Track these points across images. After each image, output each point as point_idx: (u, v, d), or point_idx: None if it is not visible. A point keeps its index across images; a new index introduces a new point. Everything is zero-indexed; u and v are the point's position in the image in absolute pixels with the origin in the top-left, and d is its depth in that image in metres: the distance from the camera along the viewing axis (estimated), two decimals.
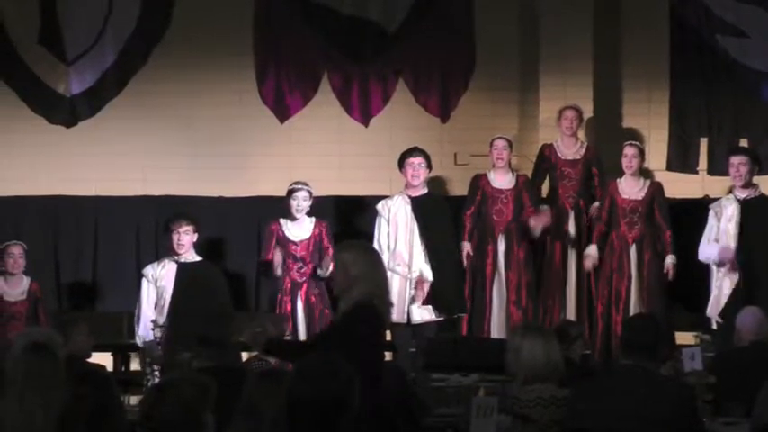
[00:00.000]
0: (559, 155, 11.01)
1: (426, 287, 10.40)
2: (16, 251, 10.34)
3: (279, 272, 10.45)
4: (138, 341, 9.99)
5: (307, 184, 10.51)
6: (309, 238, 10.47)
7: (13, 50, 11.75)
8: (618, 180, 10.73)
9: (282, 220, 10.51)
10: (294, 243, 10.45)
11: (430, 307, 10.44)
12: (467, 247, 10.67)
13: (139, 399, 7.78)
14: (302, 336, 10.22)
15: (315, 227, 10.51)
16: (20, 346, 5.64)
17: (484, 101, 11.79)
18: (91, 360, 8.08)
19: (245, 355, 8.74)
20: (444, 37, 11.73)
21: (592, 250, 10.61)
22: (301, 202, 10.44)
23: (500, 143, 10.87)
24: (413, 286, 10.39)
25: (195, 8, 11.73)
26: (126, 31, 11.79)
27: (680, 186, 11.23)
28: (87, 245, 11.52)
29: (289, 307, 10.34)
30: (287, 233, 10.48)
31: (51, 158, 11.73)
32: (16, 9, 11.77)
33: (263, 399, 4.75)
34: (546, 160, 11.05)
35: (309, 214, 10.54)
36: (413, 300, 10.37)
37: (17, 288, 10.33)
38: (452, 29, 11.74)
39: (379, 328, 6.02)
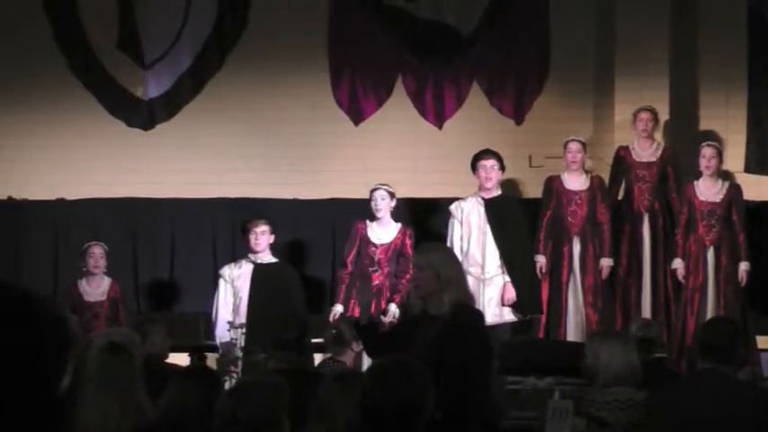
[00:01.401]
0: (635, 157, 10.94)
1: (509, 288, 10.37)
2: (97, 251, 10.42)
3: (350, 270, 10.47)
4: (215, 342, 10.05)
5: (387, 185, 10.52)
6: (390, 243, 10.46)
7: (92, 55, 11.89)
8: (695, 182, 10.65)
9: (368, 221, 10.53)
10: (374, 245, 10.45)
11: (507, 308, 10.41)
12: (541, 260, 10.61)
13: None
14: None
15: (399, 233, 10.49)
16: (98, 346, 5.67)
17: (558, 103, 11.75)
18: (168, 361, 8.15)
19: (318, 357, 8.78)
20: (519, 39, 11.71)
21: (678, 264, 10.52)
22: (379, 202, 10.44)
23: (574, 145, 10.83)
24: (485, 287, 10.37)
25: (271, 12, 11.80)
26: (202, 36, 11.89)
27: (759, 189, 11.12)
28: (165, 246, 11.62)
29: (357, 310, 10.34)
30: (369, 234, 10.49)
31: (129, 161, 11.84)
32: (95, 14, 11.90)
33: (337, 401, 4.77)
34: (621, 162, 10.99)
35: (397, 220, 10.55)
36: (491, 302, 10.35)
37: (98, 288, 10.42)
38: (527, 31, 11.71)
39: (485, 330, 6.07)
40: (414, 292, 6.03)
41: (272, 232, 10.25)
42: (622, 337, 6.28)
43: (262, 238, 10.16)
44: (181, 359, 9.46)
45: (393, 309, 10.18)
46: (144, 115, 11.91)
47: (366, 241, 10.46)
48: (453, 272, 5.93)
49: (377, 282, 10.42)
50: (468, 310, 5.92)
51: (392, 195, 10.50)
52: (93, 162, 11.85)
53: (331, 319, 10.01)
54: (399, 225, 10.53)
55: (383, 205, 10.45)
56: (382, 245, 10.45)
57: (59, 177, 11.76)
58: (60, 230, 11.58)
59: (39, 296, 1.41)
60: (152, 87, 11.91)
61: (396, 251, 10.46)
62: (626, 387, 6.03)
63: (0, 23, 11.83)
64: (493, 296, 10.37)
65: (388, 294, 10.37)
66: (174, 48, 11.86)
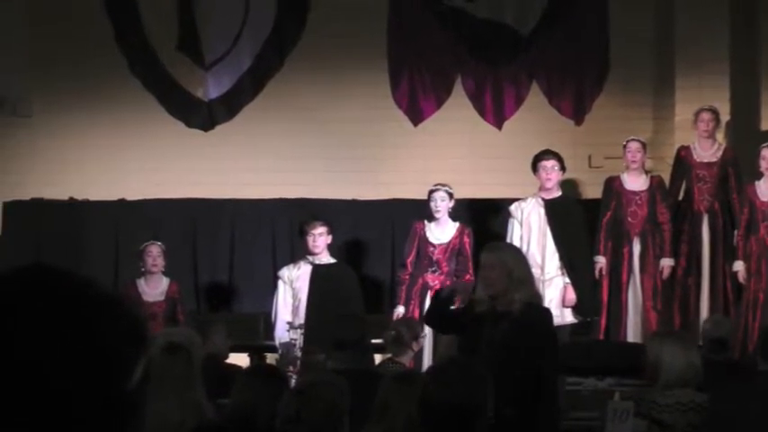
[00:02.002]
0: (695, 157, 10.86)
1: (570, 290, 10.33)
2: (154, 250, 10.46)
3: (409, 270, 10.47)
4: (275, 342, 10.08)
5: (445, 185, 10.51)
6: (449, 243, 10.45)
7: (152, 56, 11.97)
8: (756, 183, 10.55)
9: (427, 222, 10.53)
10: (432, 245, 10.44)
11: (567, 310, 10.37)
12: (601, 261, 10.56)
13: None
14: (428, 341, 10.22)
15: (457, 232, 10.48)
16: (157, 346, 5.68)
17: (618, 103, 11.69)
18: (228, 361, 8.18)
19: (377, 358, 8.79)
20: (579, 39, 11.66)
21: (739, 266, 10.43)
22: (439, 203, 10.43)
23: (634, 145, 10.76)
24: (545, 288, 10.33)
25: (330, 13, 11.83)
26: (262, 36, 11.94)
27: None
28: (224, 247, 11.67)
29: (417, 312, 10.33)
30: (428, 234, 10.48)
31: (189, 162, 11.91)
32: (156, 16, 11.98)
33: (397, 401, 4.77)
34: (682, 162, 10.91)
35: (455, 219, 10.54)
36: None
37: (156, 288, 10.46)
38: (587, 31, 11.67)
39: (555, 330, 6.09)
40: (484, 291, 6.02)
41: (330, 233, 10.26)
42: (684, 338, 6.22)
43: (319, 239, 10.17)
44: (240, 359, 9.51)
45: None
46: (204, 116, 11.98)
47: (425, 241, 10.45)
48: (524, 271, 5.95)
49: (437, 282, 10.41)
50: (538, 309, 5.93)
51: (451, 196, 10.49)
52: (153, 163, 11.92)
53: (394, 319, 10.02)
54: (458, 224, 10.51)
55: (443, 206, 10.44)
56: (441, 245, 10.44)
57: (120, 178, 11.85)
58: (121, 231, 11.67)
59: (114, 293, 1.44)
60: (212, 88, 11.98)
61: (454, 251, 10.44)
62: (687, 389, 5.98)
63: (62, 25, 11.94)
64: (553, 297, 10.33)
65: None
66: (234, 48, 11.92)
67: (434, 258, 10.42)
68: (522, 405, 5.60)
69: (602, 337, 10.49)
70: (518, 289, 5.87)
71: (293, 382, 8.50)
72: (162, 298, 10.39)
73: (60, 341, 1.35)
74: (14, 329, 1.35)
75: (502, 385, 5.59)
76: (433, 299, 6.89)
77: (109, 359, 1.36)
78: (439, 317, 6.57)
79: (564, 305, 10.32)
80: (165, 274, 10.51)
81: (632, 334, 10.48)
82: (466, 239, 10.43)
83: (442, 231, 10.47)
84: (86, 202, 11.79)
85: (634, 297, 10.57)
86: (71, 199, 11.80)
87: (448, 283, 10.35)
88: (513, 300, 5.87)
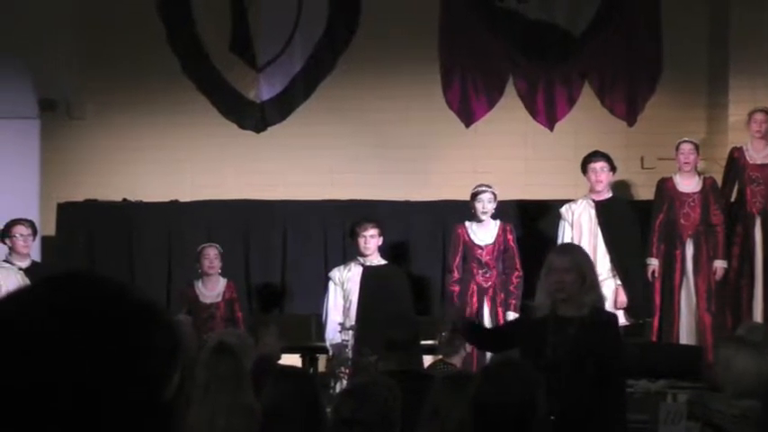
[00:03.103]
0: (748, 158, 10.78)
1: (621, 292, 10.29)
2: (212, 252, 10.51)
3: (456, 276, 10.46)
4: (326, 343, 10.10)
5: (490, 186, 10.50)
6: (494, 243, 10.44)
7: (205, 58, 12.03)
8: None
9: (468, 223, 10.51)
10: (479, 247, 10.43)
11: (619, 312, 10.32)
12: (654, 264, 10.51)
13: (327, 400, 7.90)
14: None
15: (500, 230, 10.48)
16: (208, 347, 5.69)
17: (671, 104, 11.63)
18: (280, 362, 8.21)
19: (427, 359, 8.78)
20: (631, 39, 11.61)
21: None
22: (486, 205, 10.42)
23: (687, 147, 10.70)
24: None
25: (382, 14, 11.84)
26: (314, 38, 11.96)
27: None
28: (276, 248, 11.70)
29: (475, 312, 10.31)
30: (472, 236, 10.47)
31: (242, 163, 11.96)
32: (209, 17, 12.04)
33: (449, 402, 4.77)
34: (735, 163, 10.84)
35: (494, 217, 10.53)
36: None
37: (213, 290, 10.51)
38: (639, 31, 11.61)
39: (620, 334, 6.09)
40: (554, 294, 5.96)
41: (381, 234, 10.26)
42: (756, 346, 6.06)
43: (371, 241, 10.18)
44: (292, 360, 9.54)
45: (511, 316, 10.10)
46: (256, 117, 12.02)
47: (470, 244, 10.44)
48: (594, 274, 5.93)
49: (489, 283, 10.39)
50: (606, 313, 5.92)
51: (495, 196, 10.49)
52: (205, 164, 11.98)
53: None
54: (498, 222, 10.50)
55: (490, 207, 10.43)
56: (488, 245, 10.43)
57: (173, 179, 11.91)
58: (174, 232, 11.73)
59: (151, 300, 1.44)
60: (264, 89, 12.02)
61: (500, 250, 10.43)
62: (755, 400, 5.86)
63: (115, 27, 12.02)
64: (605, 298, 10.27)
65: (502, 296, 10.33)
66: (287, 50, 11.96)
67: (484, 260, 10.40)
68: (593, 408, 5.59)
69: (654, 339, 10.44)
70: (588, 292, 5.84)
71: (344, 383, 8.54)
72: (219, 299, 10.45)
73: (98, 348, 1.36)
74: (53, 334, 1.36)
75: (571, 389, 5.59)
76: (460, 332, 6.85)
77: (145, 366, 1.37)
78: (481, 341, 6.52)
79: (615, 307, 10.25)
80: (222, 274, 10.56)
81: (685, 336, 10.42)
82: (509, 237, 10.43)
83: (485, 232, 10.46)
84: (139, 204, 11.86)
85: (687, 299, 10.51)
86: (124, 200, 11.88)
87: (498, 282, 10.34)
88: (582, 303, 5.83)
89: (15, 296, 1.43)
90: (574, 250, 6.29)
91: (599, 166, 10.46)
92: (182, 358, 1.41)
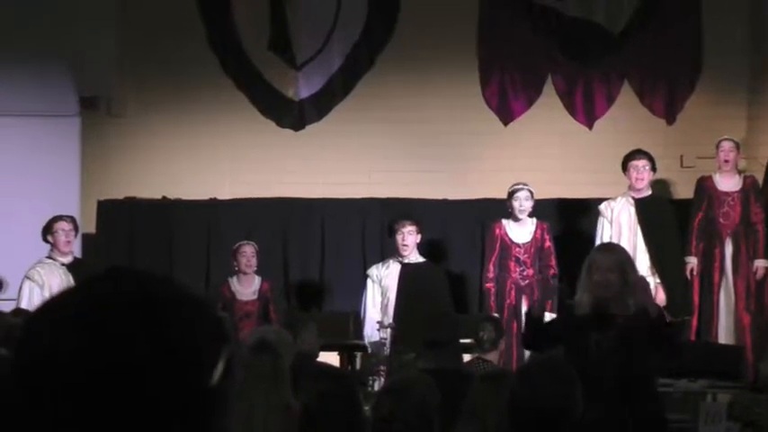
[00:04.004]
0: None
1: (659, 290, 10.26)
2: (248, 251, 10.54)
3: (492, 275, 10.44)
4: (364, 341, 10.11)
5: (527, 185, 10.48)
6: (531, 241, 10.42)
7: (244, 56, 12.07)
8: None
9: (505, 221, 10.50)
10: (517, 245, 10.42)
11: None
12: (692, 262, 10.46)
13: (364, 398, 7.91)
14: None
15: (536, 228, 10.46)
16: (248, 344, 5.70)
17: (711, 102, 11.57)
18: (319, 360, 8.22)
19: (464, 357, 8.79)
20: (670, 38, 11.56)
21: None
22: (523, 203, 10.40)
23: (727, 145, 10.65)
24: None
25: (420, 12, 11.84)
26: (353, 36, 11.98)
27: None
28: (315, 246, 11.72)
29: (514, 309, 10.30)
30: (510, 234, 10.46)
31: (280, 161, 11.98)
32: (248, 16, 12.08)
33: (487, 401, 4.77)
34: None
35: (531, 216, 10.51)
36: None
37: (249, 287, 10.54)
38: (679, 29, 11.56)
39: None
40: (599, 293, 5.96)
41: (419, 232, 10.27)
42: None
43: (409, 238, 10.19)
44: (330, 358, 9.55)
45: (547, 317, 10.07)
46: (295, 116, 12.05)
47: (508, 242, 10.43)
48: (636, 274, 5.93)
49: (527, 281, 10.37)
50: (650, 313, 5.91)
51: (532, 195, 10.46)
52: (244, 162, 12.02)
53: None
54: (535, 220, 10.48)
55: (527, 205, 10.42)
56: (525, 244, 10.41)
57: (211, 177, 11.96)
58: (212, 230, 11.77)
59: (197, 295, 1.47)
60: (303, 88, 12.04)
61: (538, 247, 10.41)
62: None
63: (155, 26, 12.08)
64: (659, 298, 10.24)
65: (538, 293, 10.31)
66: (325, 48, 11.97)
67: (521, 259, 10.39)
68: (640, 406, 5.60)
69: (693, 338, 10.39)
70: (632, 292, 5.84)
71: (382, 381, 8.55)
72: (255, 297, 10.48)
73: (147, 341, 1.38)
74: (103, 330, 1.39)
75: (616, 387, 5.59)
76: (527, 323, 6.82)
77: (190, 356, 1.39)
78: (537, 338, 6.50)
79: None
80: (257, 272, 10.59)
81: (724, 335, 10.37)
82: (546, 236, 10.42)
83: (522, 230, 10.44)
84: (179, 202, 11.91)
85: (726, 298, 10.45)
86: (164, 198, 11.93)
87: (536, 280, 10.33)
88: (626, 303, 5.83)
89: (67, 294, 1.46)
90: (616, 249, 6.29)
91: (641, 164, 10.42)
92: (226, 346, 1.44)
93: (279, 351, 5.38)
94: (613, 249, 6.50)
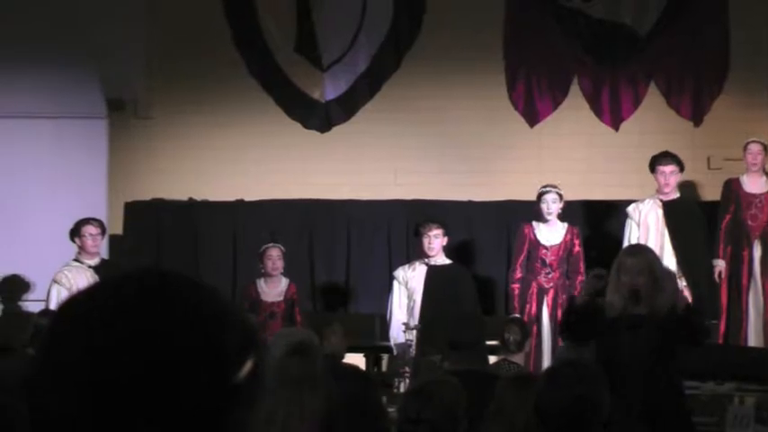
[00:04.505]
0: None
1: (685, 293, 10.23)
2: (274, 253, 10.55)
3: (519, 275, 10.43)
4: (390, 343, 10.11)
5: (556, 186, 10.46)
6: (560, 244, 10.40)
7: (270, 58, 12.09)
8: None
9: (535, 223, 10.48)
10: (545, 247, 10.41)
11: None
12: (720, 265, 10.41)
13: (390, 399, 7.91)
14: (546, 344, 10.18)
15: (567, 232, 10.43)
16: (279, 346, 5.70)
17: (738, 103, 11.52)
18: (344, 361, 8.23)
19: (490, 359, 8.77)
20: (697, 39, 11.52)
21: None
22: (551, 205, 10.39)
23: (755, 147, 10.60)
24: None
25: (446, 14, 11.84)
26: (378, 38, 11.99)
27: None
28: (340, 248, 11.73)
29: (534, 312, 10.30)
30: (538, 236, 10.44)
31: (306, 163, 12.00)
32: (274, 18, 12.10)
33: (514, 402, 4.76)
34: None
35: (562, 219, 10.48)
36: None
37: (275, 289, 10.56)
38: (705, 31, 11.52)
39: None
40: (631, 298, 5.94)
41: (445, 234, 10.26)
42: None
43: (435, 240, 10.18)
44: (356, 360, 9.55)
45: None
46: (321, 117, 12.06)
47: (535, 244, 10.42)
48: (664, 275, 5.93)
49: (551, 284, 10.36)
50: (680, 314, 5.91)
51: (561, 197, 10.44)
52: (270, 164, 12.03)
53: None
54: (566, 224, 10.46)
55: (554, 208, 10.39)
56: (553, 246, 10.39)
57: (238, 179, 11.98)
58: (239, 231, 11.80)
59: (223, 295, 1.48)
60: (329, 89, 12.06)
61: (566, 251, 10.39)
62: None
63: (182, 27, 12.11)
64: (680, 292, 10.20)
65: (564, 297, 10.29)
66: (351, 50, 11.99)
67: (548, 261, 10.37)
68: (673, 407, 5.60)
69: (721, 341, 10.35)
70: (662, 293, 5.84)
71: (408, 382, 8.55)
72: (281, 298, 10.49)
73: (172, 339, 1.39)
74: (130, 329, 1.39)
75: (646, 388, 5.57)
76: (569, 310, 6.78)
77: (216, 354, 1.40)
78: (577, 327, 6.46)
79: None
80: (283, 274, 10.61)
81: (753, 338, 10.33)
82: (576, 240, 10.39)
83: (551, 233, 10.42)
84: (205, 203, 11.94)
85: (755, 301, 10.41)
86: (190, 199, 11.96)
87: (560, 284, 10.30)
88: (656, 305, 5.83)
89: (95, 289, 1.47)
90: (645, 251, 6.28)
91: (668, 169, 10.38)
92: (253, 346, 1.45)
93: (308, 354, 5.39)
94: (641, 251, 6.49)
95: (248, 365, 1.43)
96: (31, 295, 11.25)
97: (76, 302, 1.45)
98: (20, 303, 11.35)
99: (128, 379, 1.37)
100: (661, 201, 10.43)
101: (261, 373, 1.45)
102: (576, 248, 10.36)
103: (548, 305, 10.31)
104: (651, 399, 5.69)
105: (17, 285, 11.34)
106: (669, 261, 10.25)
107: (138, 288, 1.43)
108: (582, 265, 10.31)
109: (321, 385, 5.12)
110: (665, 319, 5.84)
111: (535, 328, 10.11)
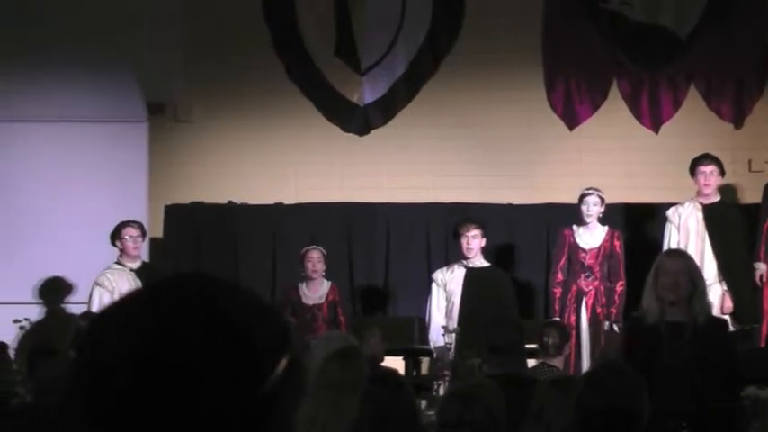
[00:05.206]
0: None
1: (727, 297, 10.17)
2: (315, 255, 10.58)
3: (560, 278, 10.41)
4: (429, 346, 10.11)
5: (598, 189, 10.43)
6: (599, 247, 10.37)
7: (310, 62, 12.12)
8: None
9: (575, 227, 10.46)
10: (583, 250, 10.38)
11: (725, 317, 10.20)
12: (761, 268, 10.34)
13: (429, 402, 7.91)
14: (584, 347, 10.15)
15: (607, 235, 10.40)
16: (321, 349, 5.70)
17: None
18: (383, 364, 8.23)
19: (531, 362, 8.75)
20: (738, 41, 11.46)
21: None
22: (591, 207, 10.35)
23: None
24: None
25: (485, 17, 11.82)
26: (417, 41, 11.99)
27: None
28: (380, 250, 11.75)
29: (573, 316, 10.27)
30: (578, 239, 10.41)
31: (345, 166, 12.02)
32: (313, 21, 12.13)
33: (554, 406, 4.76)
34: None
35: (603, 222, 10.45)
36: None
37: (317, 292, 10.58)
38: (746, 32, 11.46)
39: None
40: (670, 296, 5.91)
41: (484, 236, 10.26)
42: None
43: (473, 242, 10.18)
44: (395, 363, 9.56)
45: (615, 328, 10.02)
46: (359, 121, 12.08)
47: (575, 248, 10.39)
48: (704, 282, 5.91)
49: (590, 288, 10.33)
50: (719, 319, 5.90)
51: (602, 201, 10.40)
52: (309, 167, 12.06)
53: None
54: (606, 228, 10.43)
55: (595, 211, 10.36)
56: (592, 249, 10.36)
57: (277, 182, 12.02)
58: (277, 234, 11.83)
59: (263, 299, 1.50)
60: (368, 93, 12.07)
61: (605, 255, 10.36)
62: None
63: (221, 31, 12.16)
64: (711, 305, 10.15)
65: (603, 300, 10.26)
66: (390, 53, 12.00)
67: (587, 264, 10.34)
68: (712, 414, 5.58)
69: (762, 344, 10.29)
70: (700, 299, 5.82)
71: (447, 385, 8.54)
72: (322, 301, 10.52)
73: (209, 344, 1.41)
74: (167, 334, 1.41)
75: (691, 395, 5.55)
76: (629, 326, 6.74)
77: (249, 361, 1.42)
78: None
79: (722, 312, 10.14)
80: (325, 277, 10.62)
81: None
82: (616, 242, 10.35)
83: (591, 236, 10.39)
84: (245, 206, 11.98)
85: None
86: (230, 202, 12.00)
87: (602, 288, 10.27)
88: (695, 310, 5.80)
89: (139, 294, 1.49)
90: (685, 255, 6.26)
91: (708, 169, 10.33)
92: (289, 353, 1.46)
93: (350, 359, 5.39)
94: (681, 254, 6.48)
95: (282, 365, 1.44)
96: (73, 297, 11.33)
97: (113, 309, 1.47)
98: (62, 306, 11.44)
99: (161, 385, 1.39)
100: (701, 204, 10.37)
101: (297, 372, 1.47)
102: (617, 251, 10.32)
103: (587, 309, 10.28)
104: (697, 405, 5.67)
105: (60, 288, 11.42)
106: (710, 265, 10.21)
107: (177, 295, 1.45)
108: (622, 270, 10.27)
109: (356, 389, 5.14)
110: (706, 330, 5.81)
111: (574, 332, 10.09)
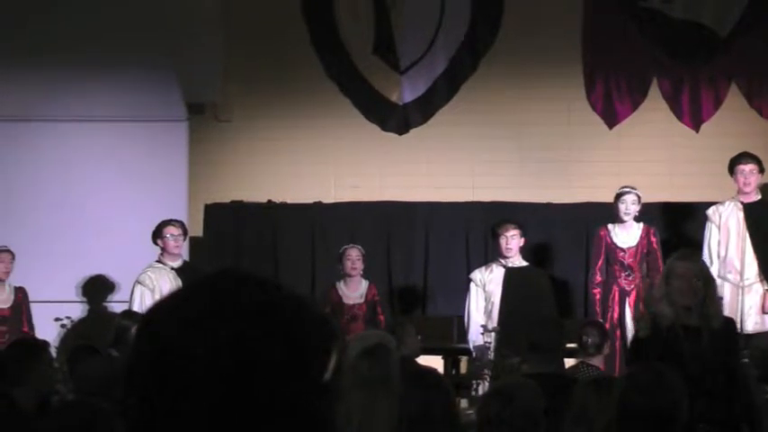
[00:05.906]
0: None
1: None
2: (354, 254, 10.59)
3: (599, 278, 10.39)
4: (468, 345, 10.11)
5: (635, 188, 10.41)
6: (637, 245, 10.34)
7: (349, 60, 12.13)
8: None
9: (611, 226, 10.43)
10: (622, 250, 10.35)
11: (767, 316, 10.15)
12: None
13: (469, 402, 7.92)
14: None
15: (643, 233, 10.37)
16: (355, 348, 5.71)
17: None
18: (422, 363, 8.23)
19: (569, 361, 8.74)
20: None
21: None
22: (629, 206, 10.33)
23: None
24: (744, 295, 10.13)
25: (524, 15, 11.81)
26: (456, 40, 11.98)
27: None
28: (418, 249, 11.75)
29: (616, 316, 10.24)
30: (615, 239, 10.39)
31: (385, 165, 12.04)
32: (352, 20, 12.14)
33: (594, 406, 4.76)
34: None
35: (638, 220, 10.43)
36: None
37: (356, 291, 10.59)
38: None
39: None
40: (683, 300, 5.89)
41: (523, 235, 10.24)
42: None
43: (512, 241, 10.17)
44: (434, 362, 9.56)
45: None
46: (399, 119, 12.08)
47: (613, 247, 10.36)
48: (714, 282, 5.89)
49: (632, 286, 10.30)
50: (731, 319, 5.87)
51: (639, 199, 10.38)
52: (348, 166, 12.09)
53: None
54: (642, 225, 10.39)
55: (633, 209, 10.33)
56: (630, 248, 10.33)
57: (316, 181, 12.05)
58: (317, 233, 11.86)
59: (305, 295, 1.51)
60: (407, 91, 12.08)
61: (643, 252, 10.33)
62: None
63: (260, 30, 12.20)
64: (753, 304, 10.12)
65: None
66: (429, 52, 12.00)
67: (626, 263, 10.31)
68: (740, 414, 5.56)
69: None
70: (714, 302, 5.80)
71: (486, 385, 8.55)
72: (362, 300, 10.53)
73: (261, 341, 1.42)
74: (229, 330, 1.43)
75: (714, 398, 5.54)
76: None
77: (307, 353, 1.43)
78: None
79: (763, 311, 10.10)
80: (363, 276, 10.64)
81: None
82: (653, 239, 10.32)
83: (627, 234, 10.36)
84: (284, 205, 12.01)
85: None
86: (269, 202, 12.04)
87: (642, 285, 10.24)
88: (709, 313, 5.77)
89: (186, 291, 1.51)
90: (697, 257, 6.22)
91: (748, 168, 10.27)
92: (336, 344, 1.48)
93: (380, 356, 5.40)
94: (693, 257, 6.40)
95: (333, 364, 1.46)
96: (115, 296, 11.40)
97: (170, 305, 1.49)
98: (104, 304, 11.51)
99: (224, 380, 1.40)
100: (741, 203, 10.32)
101: (342, 369, 1.49)
102: (654, 247, 10.29)
103: (630, 307, 10.25)
104: (719, 408, 5.64)
105: (101, 286, 11.49)
106: (751, 264, 10.16)
107: (234, 292, 1.46)
108: (661, 265, 10.23)
109: (394, 388, 5.14)
110: (722, 334, 5.79)
111: (618, 332, 10.06)
